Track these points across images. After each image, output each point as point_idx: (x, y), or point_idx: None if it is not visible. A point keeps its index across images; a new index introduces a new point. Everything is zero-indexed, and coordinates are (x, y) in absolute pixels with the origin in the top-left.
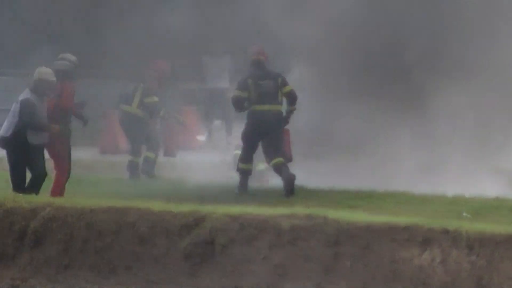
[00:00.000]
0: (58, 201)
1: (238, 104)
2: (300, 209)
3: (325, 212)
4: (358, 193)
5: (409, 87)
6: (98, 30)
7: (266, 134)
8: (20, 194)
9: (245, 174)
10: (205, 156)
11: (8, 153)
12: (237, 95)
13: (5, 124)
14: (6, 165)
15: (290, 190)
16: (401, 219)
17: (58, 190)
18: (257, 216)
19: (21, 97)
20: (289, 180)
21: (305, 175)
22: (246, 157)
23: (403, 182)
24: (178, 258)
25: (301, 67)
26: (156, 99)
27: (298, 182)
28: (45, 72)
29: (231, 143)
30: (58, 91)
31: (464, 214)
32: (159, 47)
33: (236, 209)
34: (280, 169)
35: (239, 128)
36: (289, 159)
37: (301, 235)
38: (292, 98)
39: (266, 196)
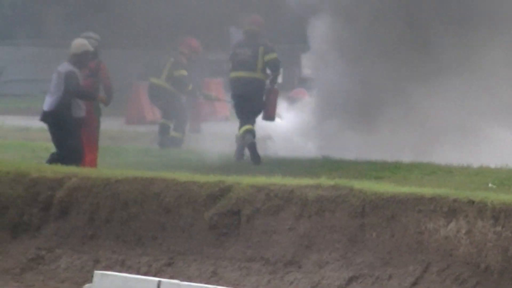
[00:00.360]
0: (84, 171)
1: None
2: (325, 180)
3: (350, 183)
4: (383, 164)
5: (440, 52)
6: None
7: (241, 99)
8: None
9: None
10: (231, 127)
11: (51, 129)
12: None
13: (48, 99)
14: (31, 135)
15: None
16: (427, 190)
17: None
18: (283, 186)
19: (63, 69)
20: (239, 153)
21: (333, 145)
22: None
23: (432, 151)
24: (204, 228)
25: (328, 29)
26: (185, 72)
27: (325, 153)
28: (85, 43)
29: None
30: (94, 70)
31: (490, 185)
32: (185, 17)
33: (261, 180)
34: (242, 138)
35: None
36: (271, 118)
37: (326, 205)
38: (273, 66)
39: (290, 166)
